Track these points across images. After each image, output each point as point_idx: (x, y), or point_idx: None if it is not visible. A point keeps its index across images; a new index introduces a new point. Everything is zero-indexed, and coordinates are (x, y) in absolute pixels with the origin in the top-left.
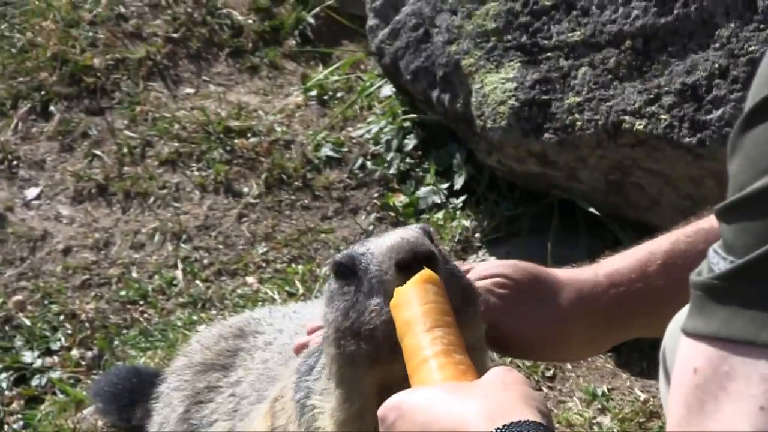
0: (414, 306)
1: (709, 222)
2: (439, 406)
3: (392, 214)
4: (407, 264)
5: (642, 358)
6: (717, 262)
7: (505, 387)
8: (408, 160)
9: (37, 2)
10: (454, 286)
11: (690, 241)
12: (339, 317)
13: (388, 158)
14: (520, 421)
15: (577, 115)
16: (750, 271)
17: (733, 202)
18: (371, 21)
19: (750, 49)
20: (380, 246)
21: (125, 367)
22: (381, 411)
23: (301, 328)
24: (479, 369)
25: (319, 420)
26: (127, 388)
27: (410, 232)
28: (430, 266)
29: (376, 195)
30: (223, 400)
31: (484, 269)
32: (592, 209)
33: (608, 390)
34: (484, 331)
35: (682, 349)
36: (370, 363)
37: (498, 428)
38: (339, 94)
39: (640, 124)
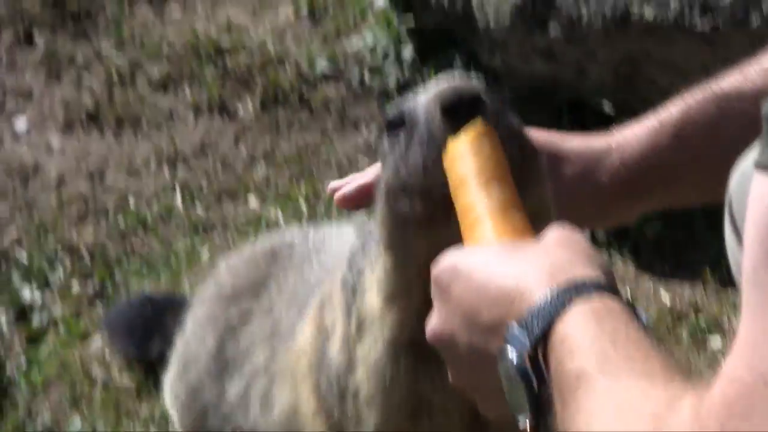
0: (467, 160)
1: (719, 86)
2: (496, 265)
3: None
4: (452, 107)
5: (664, 260)
6: None
7: (565, 245)
8: (407, 70)
9: None
10: (510, 140)
11: (701, 109)
12: (389, 174)
13: (386, 69)
14: (583, 279)
15: (583, 8)
16: None
17: None
18: None
19: None
20: (427, 95)
21: (136, 298)
22: (434, 272)
23: (344, 246)
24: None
25: (367, 299)
26: (142, 320)
27: (461, 79)
28: (479, 111)
29: (375, 108)
30: (258, 326)
31: None
32: (604, 104)
33: (632, 294)
34: (549, 194)
35: (756, 187)
36: (421, 223)
37: (559, 286)
38: (330, 9)
39: (649, 13)
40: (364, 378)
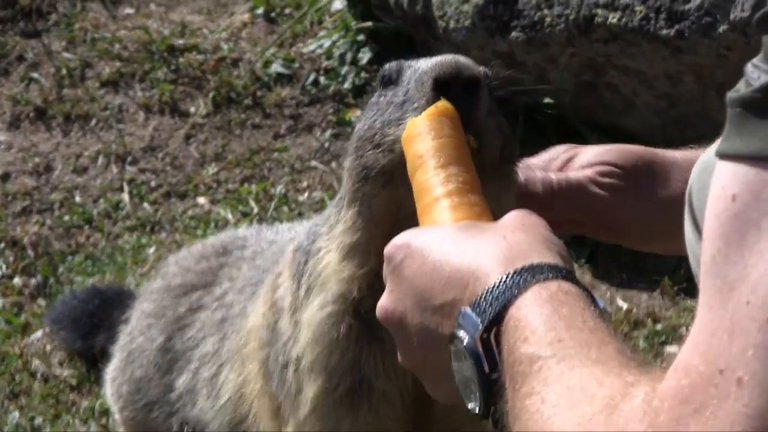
0: (426, 139)
1: None
2: (452, 245)
3: (349, 129)
4: (446, 80)
5: (621, 269)
6: (757, 76)
7: (524, 229)
8: (363, 74)
9: None
10: (495, 138)
11: None
12: (365, 125)
13: (342, 72)
14: (541, 263)
15: (545, 11)
16: None
17: None
18: None
19: None
20: (429, 60)
21: (84, 289)
22: (388, 249)
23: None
24: None
25: (323, 258)
26: (88, 312)
27: (466, 58)
28: (471, 97)
29: (330, 111)
30: (208, 316)
31: (588, 158)
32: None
33: None
34: (513, 201)
35: (718, 176)
36: (384, 179)
37: (516, 270)
38: (287, 11)
39: (613, 17)
40: (306, 342)
